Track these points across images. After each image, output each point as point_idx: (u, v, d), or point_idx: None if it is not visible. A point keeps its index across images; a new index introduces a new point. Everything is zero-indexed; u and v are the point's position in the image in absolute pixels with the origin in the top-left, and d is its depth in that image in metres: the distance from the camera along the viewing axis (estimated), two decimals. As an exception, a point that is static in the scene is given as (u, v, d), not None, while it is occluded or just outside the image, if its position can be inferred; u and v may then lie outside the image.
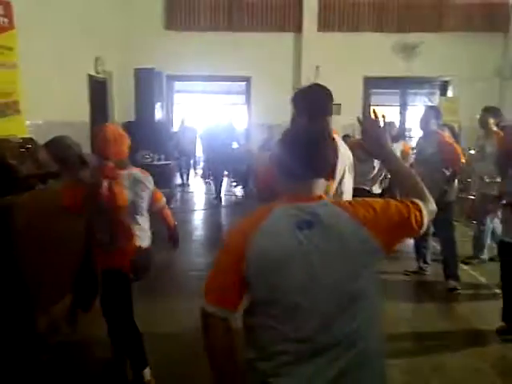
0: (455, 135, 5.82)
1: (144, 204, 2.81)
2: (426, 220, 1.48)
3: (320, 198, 1.43)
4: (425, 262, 4.99)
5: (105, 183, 2.59)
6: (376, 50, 10.32)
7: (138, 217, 2.78)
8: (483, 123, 5.15)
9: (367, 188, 4.88)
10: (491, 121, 5.06)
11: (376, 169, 4.93)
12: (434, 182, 4.20)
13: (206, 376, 1.50)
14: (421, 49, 10.35)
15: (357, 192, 2.53)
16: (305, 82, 10.15)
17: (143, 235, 2.81)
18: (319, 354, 1.34)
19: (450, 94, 10.90)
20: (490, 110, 5.21)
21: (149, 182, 2.86)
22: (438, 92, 11.39)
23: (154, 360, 2.91)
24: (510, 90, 10.49)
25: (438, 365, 3.23)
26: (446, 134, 4.91)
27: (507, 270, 3.65)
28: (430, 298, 4.49)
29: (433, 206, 1.53)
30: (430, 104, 4.93)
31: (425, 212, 1.48)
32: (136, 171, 2.83)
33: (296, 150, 1.40)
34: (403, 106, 11.70)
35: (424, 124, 4.67)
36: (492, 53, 10.46)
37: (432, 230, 4.73)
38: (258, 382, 1.38)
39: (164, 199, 3.06)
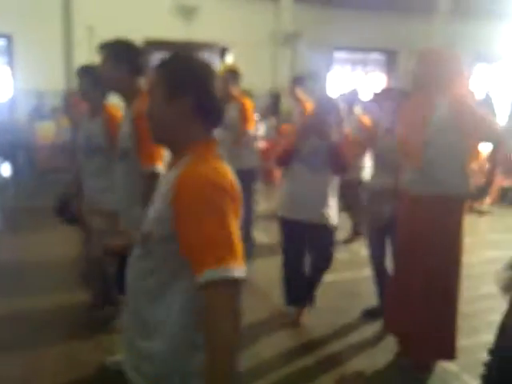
0: None
1: None
2: None
3: None
4: None
5: None
6: (154, 11, 9.86)
7: None
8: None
9: None
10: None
11: None
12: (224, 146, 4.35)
13: None
14: (200, 13, 10.27)
15: None
16: (78, 44, 9.17)
17: None
18: None
19: (229, 59, 11.17)
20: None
21: None
22: (218, 58, 11.59)
23: None
24: (282, 56, 11.30)
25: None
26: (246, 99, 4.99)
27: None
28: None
29: None
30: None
31: None
32: None
33: None
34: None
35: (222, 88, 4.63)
36: (265, 19, 11.04)
37: None
38: None
39: None
